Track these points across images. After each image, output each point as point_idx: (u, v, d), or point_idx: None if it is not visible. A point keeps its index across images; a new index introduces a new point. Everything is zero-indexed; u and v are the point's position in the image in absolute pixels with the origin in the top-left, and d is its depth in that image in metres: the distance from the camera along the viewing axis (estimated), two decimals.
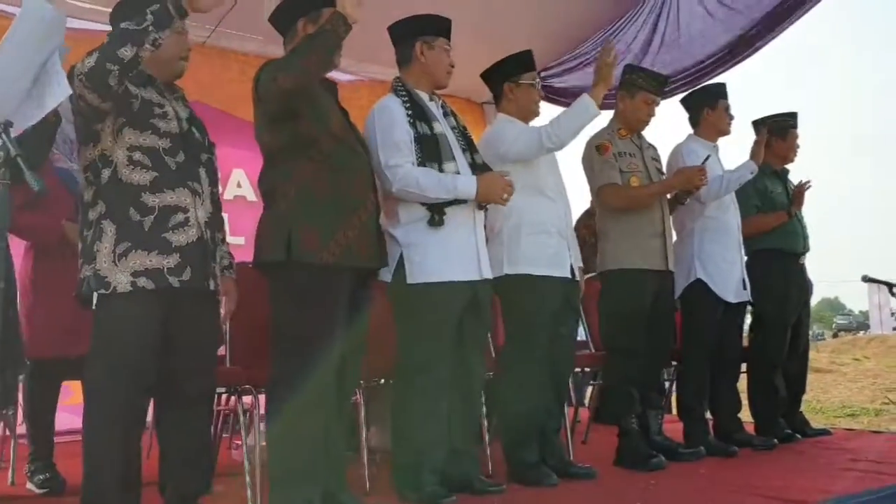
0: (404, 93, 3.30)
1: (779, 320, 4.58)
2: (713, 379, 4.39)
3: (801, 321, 4.72)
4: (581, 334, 4.60)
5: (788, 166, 4.82)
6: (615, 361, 4.01)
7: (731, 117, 4.48)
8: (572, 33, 6.46)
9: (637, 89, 4.05)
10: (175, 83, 2.88)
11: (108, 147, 2.61)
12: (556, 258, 3.61)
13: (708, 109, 4.43)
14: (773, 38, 5.51)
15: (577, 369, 4.45)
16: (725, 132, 4.48)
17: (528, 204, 3.59)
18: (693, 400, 4.29)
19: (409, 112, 3.24)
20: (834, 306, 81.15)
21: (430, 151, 3.19)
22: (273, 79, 2.71)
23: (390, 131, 3.19)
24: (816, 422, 5.41)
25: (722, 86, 4.60)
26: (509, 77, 3.75)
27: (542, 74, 6.53)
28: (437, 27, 3.36)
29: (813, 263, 4.84)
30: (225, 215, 4.90)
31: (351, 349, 2.96)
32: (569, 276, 3.64)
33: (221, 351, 3.32)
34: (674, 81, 5.82)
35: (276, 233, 2.82)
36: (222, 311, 2.94)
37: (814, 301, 9.94)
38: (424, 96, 3.35)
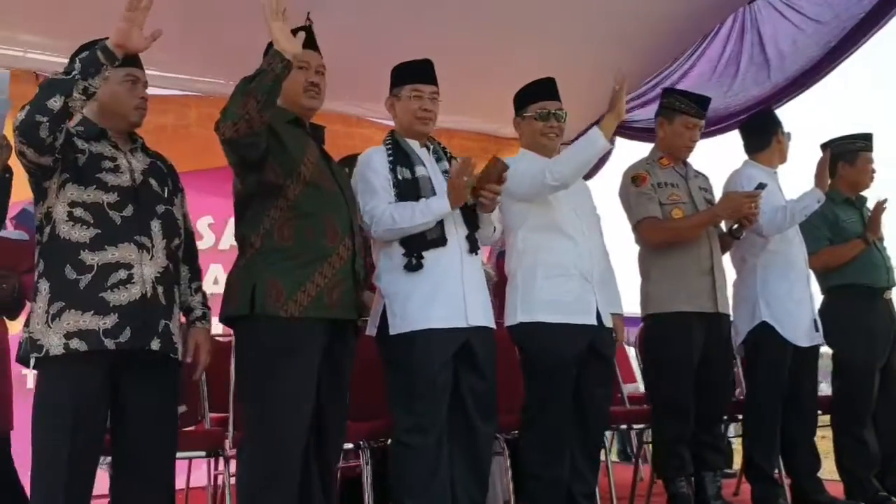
0: (390, 142, 3.14)
1: (864, 365, 4.03)
2: (787, 434, 3.91)
3: (890, 365, 4.15)
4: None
5: (865, 193, 4.31)
6: (661, 418, 3.59)
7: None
8: (643, 68, 6.10)
9: (676, 113, 3.71)
10: (136, 132, 2.74)
11: (52, 204, 2.50)
12: (578, 303, 3.26)
13: (780, 133, 4.05)
14: (857, 49, 5.03)
15: (639, 425, 4.09)
16: (785, 159, 4.06)
17: (545, 244, 3.29)
18: (762, 459, 3.80)
19: (391, 159, 3.06)
20: None
21: (407, 194, 2.99)
22: (215, 129, 2.55)
23: (368, 178, 3.03)
24: None
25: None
26: (517, 112, 3.50)
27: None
28: (403, 76, 3.15)
29: None
30: (219, 265, 4.98)
31: (330, 407, 2.75)
32: (594, 322, 3.27)
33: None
34: (761, 102, 5.40)
35: (240, 285, 2.67)
36: (199, 366, 2.76)
37: None
38: (415, 144, 3.15)
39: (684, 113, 3.69)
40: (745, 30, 5.57)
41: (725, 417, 3.99)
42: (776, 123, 4.07)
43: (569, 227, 3.31)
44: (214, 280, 4.89)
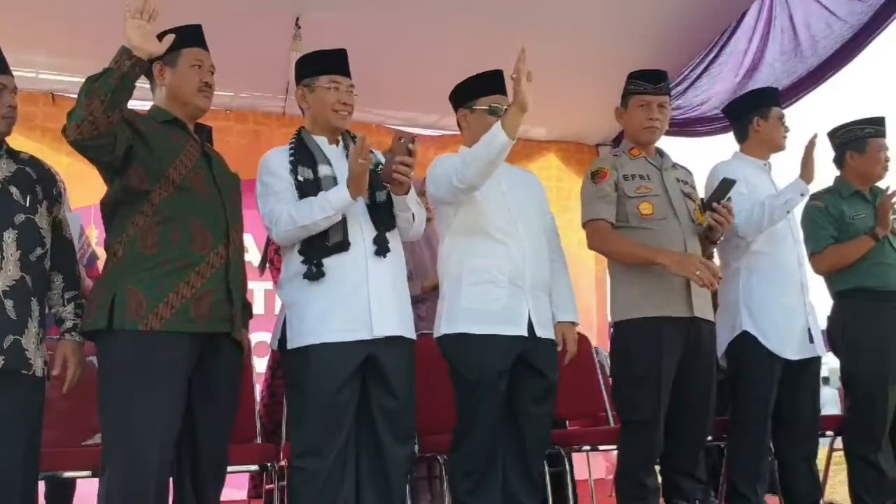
0: (294, 140, 2.92)
1: (875, 380, 3.56)
2: (782, 458, 3.49)
3: None
4: None
5: (882, 184, 3.83)
6: (625, 438, 3.22)
7: (787, 129, 3.64)
8: (665, 65, 5.71)
9: (628, 97, 3.32)
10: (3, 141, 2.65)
11: None
12: (507, 312, 2.94)
13: (758, 119, 3.61)
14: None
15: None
16: (779, 147, 3.63)
17: (471, 249, 3.00)
18: (745, 485, 3.36)
19: (292, 159, 2.84)
20: None
21: (308, 194, 2.77)
22: (62, 131, 2.40)
23: (266, 181, 2.84)
24: None
25: (773, 90, 3.77)
26: (463, 104, 3.19)
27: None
28: (316, 65, 2.92)
29: None
30: None
31: (205, 428, 2.58)
32: (524, 333, 2.95)
33: None
34: (795, 88, 4.98)
35: (99, 298, 2.51)
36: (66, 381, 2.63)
37: None
38: (322, 140, 2.92)
39: (635, 93, 3.30)
40: (774, 16, 5.15)
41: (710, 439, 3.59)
42: (751, 109, 3.63)
43: (498, 230, 3.00)
44: None
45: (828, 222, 3.68)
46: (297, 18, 4.69)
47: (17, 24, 4.44)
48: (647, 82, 3.31)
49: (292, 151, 2.86)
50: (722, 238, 3.31)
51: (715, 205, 3.16)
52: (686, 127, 5.83)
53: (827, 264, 3.66)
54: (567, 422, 4.18)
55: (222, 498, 2.72)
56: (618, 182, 3.24)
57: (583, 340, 3.59)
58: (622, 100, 3.37)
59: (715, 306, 3.43)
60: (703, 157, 3.74)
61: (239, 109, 5.70)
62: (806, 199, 3.47)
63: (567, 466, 3.58)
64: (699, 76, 5.63)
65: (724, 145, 4.25)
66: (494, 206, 3.03)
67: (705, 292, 3.20)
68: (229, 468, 2.76)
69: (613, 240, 3.19)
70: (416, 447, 3.02)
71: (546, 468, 3.21)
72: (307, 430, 2.67)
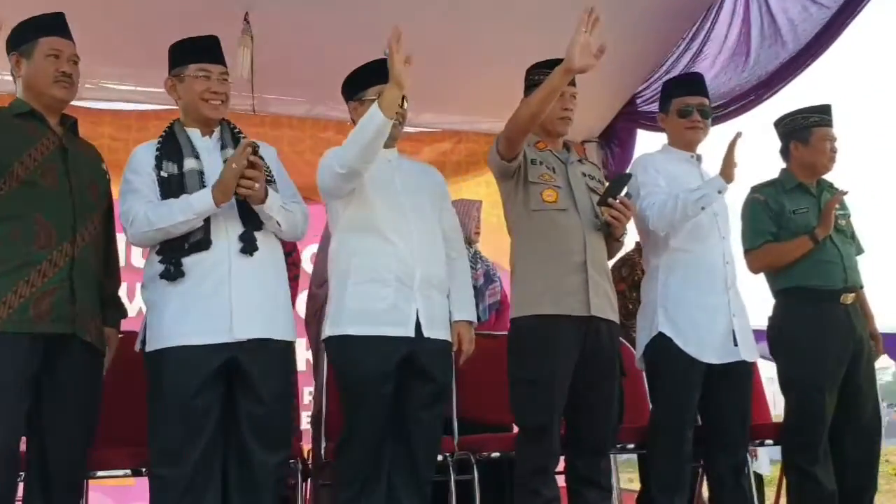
0: (163, 134, 2.83)
1: (810, 384, 3.33)
2: (712, 469, 3.30)
3: (855, 386, 3.40)
4: None
5: (829, 177, 3.59)
6: (520, 446, 3.05)
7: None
8: (647, 55, 5.51)
9: (533, 88, 3.12)
10: None
11: None
12: (393, 313, 2.82)
13: (672, 113, 3.41)
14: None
15: None
16: (694, 137, 3.41)
17: (358, 247, 2.88)
18: (662, 496, 3.16)
19: (158, 153, 2.75)
20: None
21: (170, 192, 2.68)
22: None
23: (127, 178, 2.75)
24: None
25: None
26: (354, 95, 3.07)
27: (638, 101, 5.72)
28: (186, 54, 2.82)
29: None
30: None
31: (53, 435, 2.52)
32: (411, 334, 2.82)
33: None
34: (776, 77, 4.80)
35: None
36: None
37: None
38: (195, 132, 2.83)
39: (538, 85, 3.12)
40: (750, 1, 4.92)
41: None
42: (668, 97, 3.41)
43: (387, 227, 2.87)
44: None
45: (766, 217, 3.46)
46: (247, 14, 4.62)
47: None
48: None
49: (159, 145, 2.78)
50: (625, 234, 3.14)
51: (611, 200, 2.99)
52: None
53: (761, 263, 3.46)
54: None
55: None
56: (524, 164, 3.07)
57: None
58: (526, 91, 3.18)
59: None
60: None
61: None
62: (723, 196, 3.26)
63: None
64: (686, 66, 5.40)
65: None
66: (385, 203, 2.91)
67: (605, 290, 3.04)
68: None
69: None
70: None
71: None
72: (164, 437, 2.60)
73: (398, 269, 2.84)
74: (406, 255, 2.86)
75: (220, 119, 2.86)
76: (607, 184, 3.12)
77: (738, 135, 3.17)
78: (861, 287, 3.48)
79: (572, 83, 3.11)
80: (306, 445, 3.83)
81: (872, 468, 3.43)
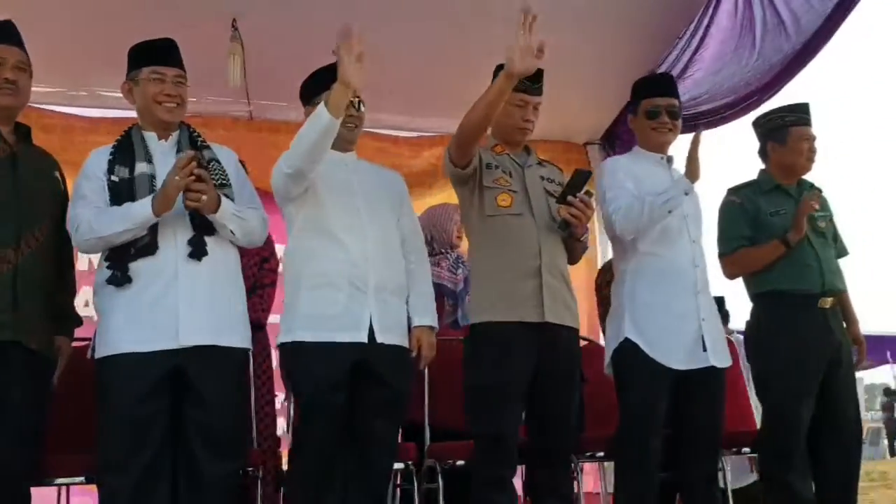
0: (119, 138, 2.83)
1: (785, 391, 3.24)
2: (684, 478, 3.22)
3: (833, 394, 3.30)
4: None
5: (809, 178, 3.49)
6: (477, 455, 3.00)
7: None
8: (647, 52, 5.40)
9: None
10: None
11: None
12: (346, 317, 2.79)
13: (639, 114, 3.34)
14: None
15: None
16: (664, 138, 3.32)
17: (311, 250, 2.86)
18: None
19: (111, 158, 2.76)
20: None
21: (119, 196, 2.68)
22: None
23: (78, 182, 2.76)
24: None
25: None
26: (308, 100, 3.05)
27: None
28: (139, 57, 2.82)
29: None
30: None
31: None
32: (364, 340, 2.80)
33: None
34: (783, 71, 4.61)
35: None
36: None
37: None
38: (151, 136, 2.82)
39: (515, 90, 3.05)
40: None
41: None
42: (637, 98, 3.33)
43: (339, 230, 2.85)
44: None
45: (742, 221, 3.38)
46: (234, 21, 4.64)
47: None
48: (525, 79, 2.99)
49: (113, 149, 2.78)
50: (587, 234, 3.08)
51: (570, 198, 2.93)
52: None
53: (735, 268, 3.38)
54: None
55: None
56: (480, 169, 3.03)
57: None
58: None
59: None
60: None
61: None
62: (695, 199, 3.19)
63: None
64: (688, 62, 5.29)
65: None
66: (339, 206, 2.89)
67: (562, 296, 2.99)
68: None
69: None
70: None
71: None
72: (110, 446, 2.60)
73: (351, 273, 2.82)
74: (359, 259, 2.84)
75: (177, 122, 2.85)
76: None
77: (700, 131, 3.10)
78: (841, 291, 3.38)
79: (538, 93, 3.07)
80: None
81: (852, 478, 3.32)
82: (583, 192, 2.95)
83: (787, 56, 4.66)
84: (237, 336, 2.77)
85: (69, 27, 4.51)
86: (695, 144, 3.09)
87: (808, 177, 3.51)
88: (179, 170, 2.56)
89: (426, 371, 3.45)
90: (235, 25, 4.65)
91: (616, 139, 5.82)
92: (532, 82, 3.04)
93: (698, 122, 5.26)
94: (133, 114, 2.94)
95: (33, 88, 2.83)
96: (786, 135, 3.40)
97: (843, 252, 3.52)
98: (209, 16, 4.52)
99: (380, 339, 2.82)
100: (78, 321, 2.88)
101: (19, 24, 2.81)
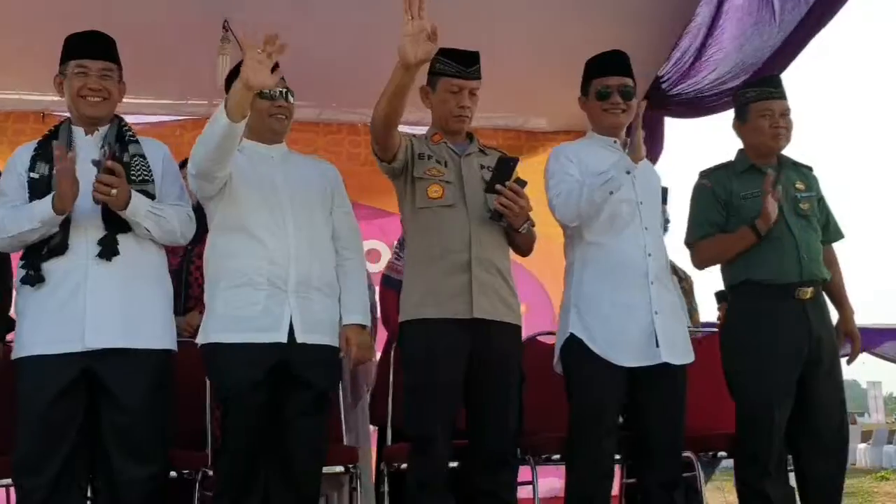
0: (47, 133, 2.81)
1: (758, 391, 2.96)
2: (643, 484, 2.99)
3: (814, 394, 2.99)
4: None
5: (790, 154, 3.19)
6: (410, 456, 2.87)
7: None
8: (660, 38, 5.11)
9: (437, 77, 2.92)
10: None
11: None
12: (264, 318, 2.71)
13: (592, 95, 3.11)
14: None
15: None
16: (616, 120, 3.09)
17: (228, 248, 2.80)
18: None
19: (34, 154, 2.74)
20: None
21: (37, 193, 2.64)
22: None
23: (1, 179, 2.77)
24: None
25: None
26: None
27: (663, 85, 5.25)
28: (66, 50, 2.79)
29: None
30: None
31: None
32: (283, 340, 2.71)
33: None
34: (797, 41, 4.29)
35: None
36: None
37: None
38: (80, 131, 2.79)
39: (444, 74, 2.90)
40: None
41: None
42: (588, 78, 3.09)
43: (257, 226, 2.77)
44: None
45: (712, 206, 3.12)
46: (226, 21, 4.62)
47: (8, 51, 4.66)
48: (458, 63, 2.90)
49: (38, 145, 2.76)
50: (528, 224, 2.86)
51: (498, 187, 2.75)
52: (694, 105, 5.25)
53: (702, 258, 3.14)
54: None
55: None
56: (412, 161, 2.89)
57: None
58: (429, 78, 2.98)
59: None
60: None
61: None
62: (646, 181, 2.95)
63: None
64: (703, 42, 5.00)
65: None
66: (259, 202, 2.81)
67: (496, 290, 2.82)
68: None
69: None
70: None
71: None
72: (23, 447, 2.61)
73: (269, 271, 2.74)
74: (278, 256, 2.75)
75: (106, 117, 2.80)
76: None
77: (642, 106, 2.87)
78: (824, 280, 3.06)
79: (474, 76, 2.91)
80: None
81: (837, 486, 3.01)
82: (512, 179, 2.77)
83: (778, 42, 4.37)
84: (154, 337, 2.72)
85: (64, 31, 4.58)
86: (636, 119, 2.86)
87: (804, 153, 3.21)
88: (57, 160, 2.51)
89: (391, 373, 3.33)
90: (227, 26, 4.63)
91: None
92: (466, 66, 2.89)
93: (723, 100, 4.99)
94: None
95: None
96: (746, 112, 3.14)
97: (835, 236, 3.21)
98: (199, 17, 4.52)
99: (301, 339, 2.73)
100: (11, 325, 2.87)
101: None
